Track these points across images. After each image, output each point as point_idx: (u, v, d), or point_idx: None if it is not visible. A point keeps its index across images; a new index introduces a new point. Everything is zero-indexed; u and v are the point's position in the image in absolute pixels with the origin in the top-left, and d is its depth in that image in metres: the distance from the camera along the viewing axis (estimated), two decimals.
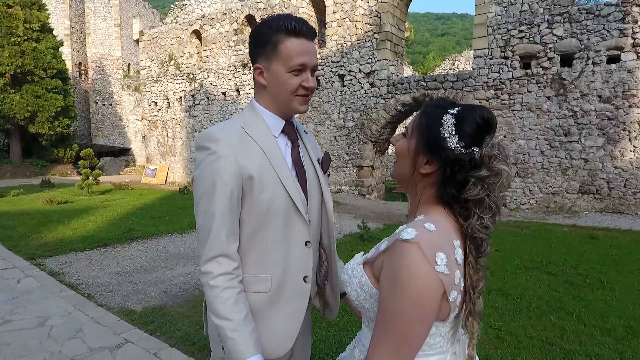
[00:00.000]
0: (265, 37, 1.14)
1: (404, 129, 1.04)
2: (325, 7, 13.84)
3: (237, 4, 16.65)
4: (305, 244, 1.21)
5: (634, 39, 9.18)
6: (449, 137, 0.89)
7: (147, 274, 5.11)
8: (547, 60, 10.16)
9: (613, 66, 9.44)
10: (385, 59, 12.72)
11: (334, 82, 13.76)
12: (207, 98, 17.28)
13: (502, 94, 10.79)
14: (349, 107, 13.48)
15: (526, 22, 10.36)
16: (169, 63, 18.70)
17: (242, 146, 1.13)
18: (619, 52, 9.36)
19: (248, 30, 16.46)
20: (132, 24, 32.13)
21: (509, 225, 8.33)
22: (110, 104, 30.91)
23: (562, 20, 9.93)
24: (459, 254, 0.87)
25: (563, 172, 10.11)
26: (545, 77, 10.21)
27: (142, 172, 21.69)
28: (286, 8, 14.64)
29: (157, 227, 7.84)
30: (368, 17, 12.89)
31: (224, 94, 16.77)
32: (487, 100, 10.90)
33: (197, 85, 17.61)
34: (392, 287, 0.83)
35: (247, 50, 16.18)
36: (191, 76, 17.80)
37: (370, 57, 12.93)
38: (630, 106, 9.30)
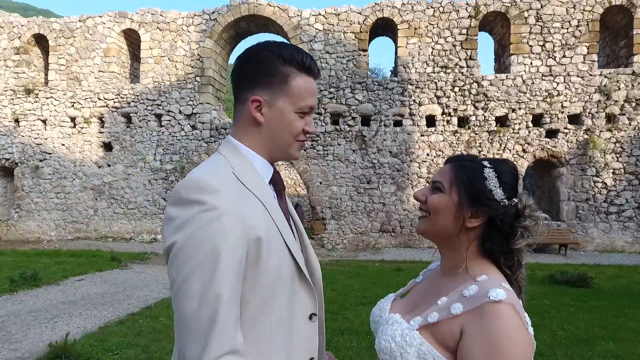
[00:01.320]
0: (272, 65, 0.94)
1: (431, 183, 1.00)
2: (141, 41, 12.89)
3: (20, 19, 13.76)
4: (310, 318, 0.98)
5: (410, 109, 11.82)
6: (494, 190, 0.90)
7: None
8: (352, 119, 11.97)
9: (398, 128, 11.84)
10: (208, 103, 12.56)
11: (149, 120, 12.68)
12: None
13: (317, 145, 12.03)
14: (167, 149, 12.58)
15: (334, 85, 12.06)
16: None
17: (242, 199, 0.88)
18: (401, 118, 11.85)
19: (36, 51, 13.73)
20: None
21: (332, 264, 9.05)
22: None
23: (361, 88, 11.99)
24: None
25: (367, 214, 11.79)
26: (350, 133, 11.96)
27: None
28: (90, 34, 12.96)
29: None
30: (189, 59, 12.63)
31: None
32: (305, 150, 11.95)
33: None
34: (488, 354, 0.77)
35: (32, 74, 13.42)
36: None
37: (192, 99, 12.56)
38: (411, 161, 11.75)
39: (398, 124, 11.92)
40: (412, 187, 11.70)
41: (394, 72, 12.84)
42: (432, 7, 11.92)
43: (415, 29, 11.93)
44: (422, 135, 11.82)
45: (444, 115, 11.81)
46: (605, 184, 11.23)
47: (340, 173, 11.95)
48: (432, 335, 0.85)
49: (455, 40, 11.82)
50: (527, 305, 0.88)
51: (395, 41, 12.77)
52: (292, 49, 0.96)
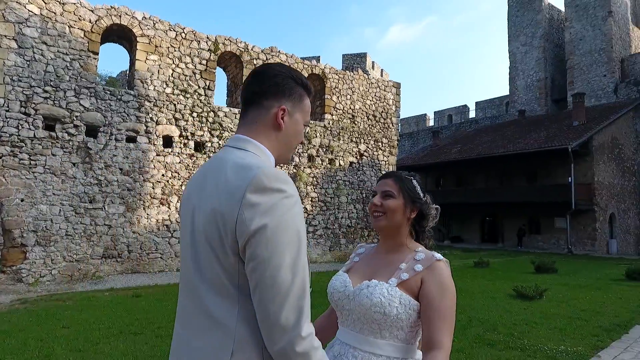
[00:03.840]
0: (293, 84, 1.11)
1: (380, 192, 1.38)
2: None
3: None
4: None
5: (147, 126, 11.28)
6: (420, 193, 1.39)
7: None
8: (74, 127, 10.25)
9: (132, 145, 11.01)
10: None
11: None
12: None
13: (20, 153, 9.56)
14: None
15: (52, 84, 10.06)
16: None
17: None
18: (136, 135, 11.11)
19: None
20: None
21: (45, 300, 7.32)
22: None
23: (89, 94, 10.50)
24: None
25: (88, 238, 10.18)
26: (71, 143, 10.18)
27: None
28: None
29: None
30: None
31: None
32: (0, 158, 9.24)
33: None
34: (442, 291, 1.21)
35: None
36: None
37: None
38: (144, 180, 11.10)
39: (132, 140, 11.09)
40: (144, 208, 11.02)
41: (130, 85, 11.97)
42: (174, 30, 12.03)
43: (157, 46, 11.67)
44: (157, 155, 11.44)
45: (182, 138, 11.91)
46: (306, 209, 14.19)
47: (53, 189, 9.86)
48: (403, 288, 1.23)
49: (196, 68, 12.31)
50: None
51: (131, 52, 12.00)
52: (299, 72, 1.16)
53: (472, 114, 37.51)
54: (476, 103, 37.20)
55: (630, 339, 5.00)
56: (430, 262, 1.25)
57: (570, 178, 19.91)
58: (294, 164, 14.00)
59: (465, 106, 38.01)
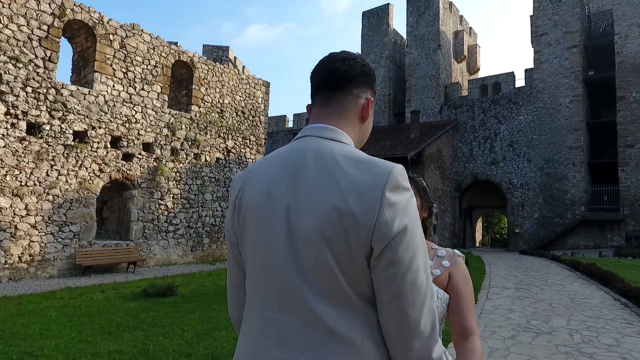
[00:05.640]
0: (374, 76, 1.07)
1: None
2: None
3: None
4: None
5: None
6: (429, 193, 1.49)
7: None
8: None
9: None
10: None
11: None
12: None
13: None
14: None
15: None
16: None
17: None
18: None
19: None
20: None
21: None
22: None
23: None
24: None
25: None
26: None
27: None
28: None
29: None
30: None
31: None
32: None
33: None
34: (467, 283, 1.32)
35: None
36: None
37: None
38: None
39: None
40: None
41: None
42: None
43: None
44: None
45: (9, 117, 9.62)
46: (167, 206, 13.07)
47: None
48: (435, 282, 1.29)
49: (33, 33, 10.11)
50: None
51: None
52: None
53: None
54: None
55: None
56: (454, 258, 1.34)
57: None
58: (154, 156, 12.75)
59: None
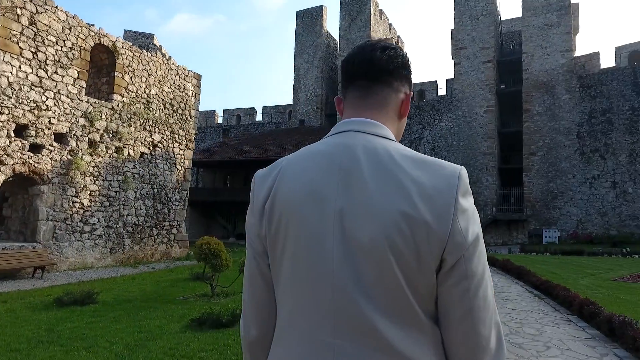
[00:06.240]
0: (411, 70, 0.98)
1: None
2: None
3: None
4: None
5: None
6: None
7: None
8: None
9: None
10: None
11: None
12: None
13: None
14: None
15: None
16: None
17: None
18: None
19: None
20: None
21: None
22: None
23: None
24: None
25: None
26: None
27: None
28: None
29: None
30: None
31: None
32: None
33: None
34: None
35: None
36: None
37: None
38: None
39: None
40: None
41: None
42: None
43: None
44: None
45: None
46: (83, 204, 11.81)
47: None
48: None
49: None
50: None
51: None
52: None
53: (259, 117, 39.56)
54: (263, 107, 39.44)
55: None
56: None
57: None
58: (68, 148, 11.44)
59: (253, 109, 39.73)
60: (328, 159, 0.79)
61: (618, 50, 27.22)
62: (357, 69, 0.88)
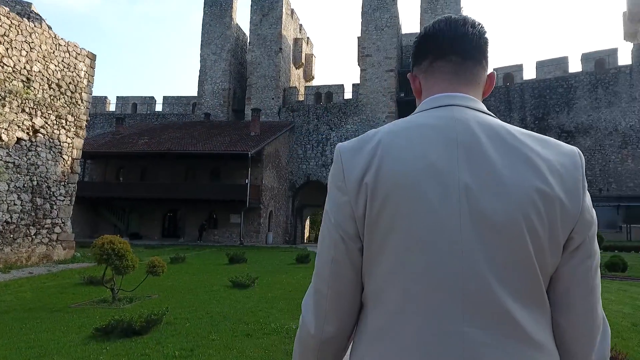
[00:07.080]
0: None
1: None
2: None
3: None
4: None
5: None
6: None
7: None
8: None
9: None
10: None
11: None
12: None
13: None
14: None
15: None
16: None
17: None
18: None
19: None
20: None
21: None
22: None
23: None
24: None
25: None
26: None
27: None
28: None
29: None
30: None
31: None
32: None
33: None
34: None
35: None
36: None
37: None
38: None
39: None
40: None
41: None
42: None
43: None
44: None
45: None
46: None
47: None
48: None
49: None
50: None
51: None
52: None
53: (159, 107, 36.75)
54: (164, 97, 36.71)
55: None
56: None
57: (247, 180, 23.10)
58: None
59: (152, 98, 36.70)
60: (440, 133, 0.73)
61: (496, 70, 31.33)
62: (449, 44, 0.82)
